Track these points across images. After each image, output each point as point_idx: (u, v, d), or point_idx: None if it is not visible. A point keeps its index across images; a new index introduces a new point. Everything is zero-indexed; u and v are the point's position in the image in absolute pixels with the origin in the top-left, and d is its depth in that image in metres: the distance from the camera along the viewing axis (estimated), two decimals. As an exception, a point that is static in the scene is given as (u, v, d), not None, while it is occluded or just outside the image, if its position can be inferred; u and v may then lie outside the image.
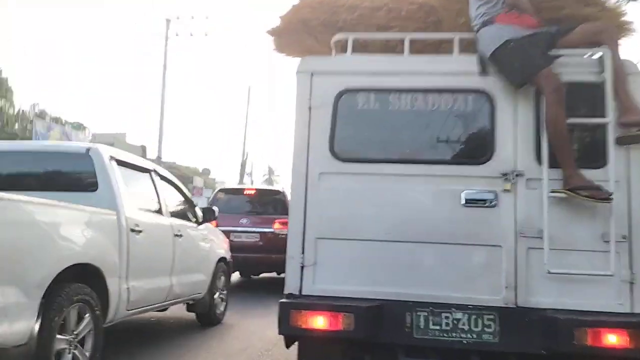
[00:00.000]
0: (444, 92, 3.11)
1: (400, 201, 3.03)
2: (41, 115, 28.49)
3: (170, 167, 27.33)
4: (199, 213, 6.02)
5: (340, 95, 3.14)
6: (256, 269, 9.69)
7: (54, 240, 3.38)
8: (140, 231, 4.38)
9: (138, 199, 4.68)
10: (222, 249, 6.57)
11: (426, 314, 2.90)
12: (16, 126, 27.05)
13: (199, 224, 5.95)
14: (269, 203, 9.49)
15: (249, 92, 33.72)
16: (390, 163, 3.11)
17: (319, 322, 2.85)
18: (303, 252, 3.05)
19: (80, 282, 3.62)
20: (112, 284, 3.96)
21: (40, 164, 4.36)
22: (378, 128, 3.20)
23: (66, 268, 3.40)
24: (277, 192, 9.87)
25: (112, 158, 4.37)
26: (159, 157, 22.42)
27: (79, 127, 30.44)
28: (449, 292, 2.93)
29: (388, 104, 3.14)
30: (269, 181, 45.60)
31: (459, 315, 2.88)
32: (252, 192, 10.13)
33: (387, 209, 3.01)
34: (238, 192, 10.24)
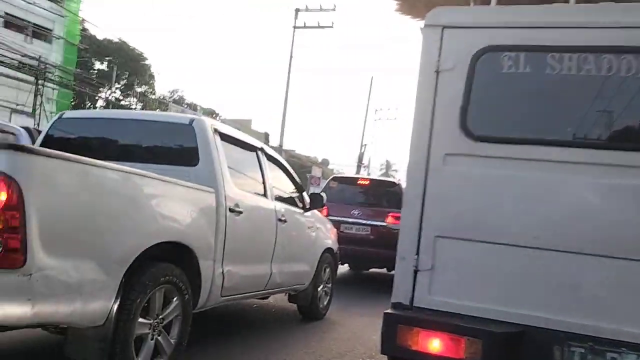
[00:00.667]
0: (625, 52, 2.24)
1: (557, 197, 2.24)
2: (179, 101, 30.27)
3: (291, 155, 27.78)
4: (307, 199, 5.54)
5: (479, 54, 2.41)
6: (365, 264, 9.23)
7: (141, 213, 3.05)
8: (240, 212, 3.98)
9: (241, 178, 4.29)
10: (329, 239, 6.06)
11: (584, 350, 2.12)
12: (156, 111, 29.01)
13: (306, 210, 5.47)
14: (384, 195, 8.91)
15: (371, 83, 32.82)
16: (544, 146, 2.34)
17: (433, 344, 2.18)
18: (418, 253, 2.38)
19: (169, 262, 3.27)
20: (205, 266, 3.58)
21: (143, 134, 4.12)
22: (529, 98, 2.43)
23: (154, 245, 3.04)
24: (393, 184, 9.30)
25: (216, 131, 4.00)
26: (280, 145, 22.67)
27: (211, 113, 31.95)
28: (620, 325, 2.10)
29: (544, 67, 2.36)
30: (386, 175, 44.77)
31: (632, 357, 2.04)
32: (367, 182, 9.62)
33: (537, 206, 2.25)
34: (352, 181, 9.75)
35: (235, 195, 3.98)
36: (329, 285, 6.01)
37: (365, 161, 34.39)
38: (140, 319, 3.01)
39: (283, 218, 4.77)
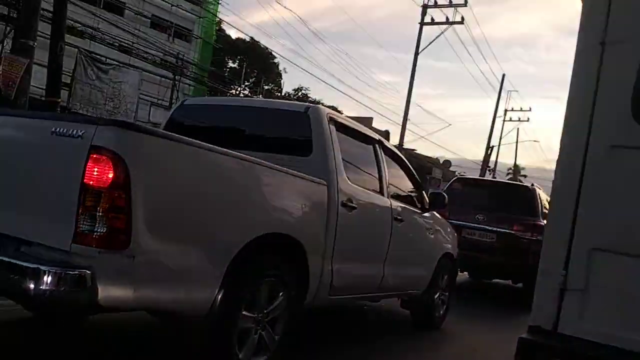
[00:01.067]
0: None
1: None
2: (303, 99, 30.89)
3: (410, 155, 27.08)
4: (426, 199, 5.12)
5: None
6: (487, 273, 8.54)
7: (250, 202, 2.89)
8: (353, 207, 3.70)
9: (355, 172, 4.02)
10: (449, 243, 5.58)
11: None
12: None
13: (425, 211, 5.05)
14: (514, 200, 8.11)
15: (502, 81, 30.84)
16: None
17: (585, 386, 1.71)
18: (566, 268, 1.92)
19: (277, 255, 3.09)
20: (314, 262, 3.36)
21: (258, 121, 4.00)
22: None
23: (261, 236, 2.87)
24: (526, 189, 8.43)
25: (332, 121, 3.76)
26: (400, 144, 22.17)
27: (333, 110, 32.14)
28: None
29: None
30: (513, 180, 42.05)
31: None
32: (495, 185, 9.04)
33: None
34: (478, 184, 9.12)
35: (348, 190, 3.72)
36: (447, 293, 5.53)
37: (491, 164, 32.52)
38: (245, 312, 2.85)
39: (399, 217, 4.42)
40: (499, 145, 33.60)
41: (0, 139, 2.47)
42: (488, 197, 8.32)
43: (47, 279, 2.01)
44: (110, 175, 2.13)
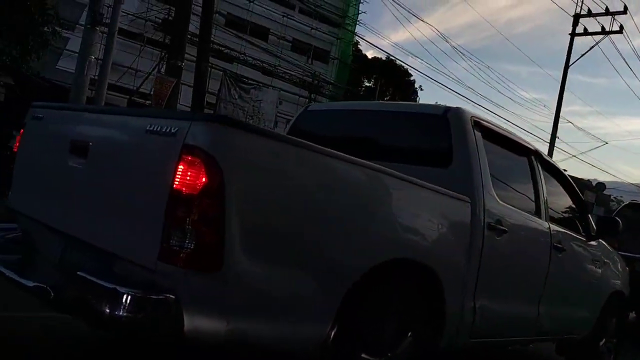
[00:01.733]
0: None
1: None
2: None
3: (558, 175, 24.53)
4: (592, 225, 4.17)
5: None
6: None
7: (374, 220, 2.36)
8: (503, 231, 3.00)
9: (506, 188, 3.30)
10: (618, 279, 4.52)
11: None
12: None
13: (591, 238, 4.10)
14: None
15: None
16: None
17: None
18: None
19: (406, 286, 2.51)
20: (451, 297, 2.72)
21: (388, 127, 3.45)
22: None
23: (388, 262, 2.32)
24: None
25: (476, 125, 3.10)
26: (547, 162, 20.07)
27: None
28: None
29: None
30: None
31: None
32: None
33: None
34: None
35: (497, 209, 3.01)
36: (614, 340, 4.45)
37: None
38: (364, 356, 2.30)
39: (560, 245, 3.57)
40: None
41: (97, 138, 2.22)
42: None
43: (124, 302, 1.66)
44: (202, 180, 1.74)
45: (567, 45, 20.03)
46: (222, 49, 21.78)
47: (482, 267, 2.89)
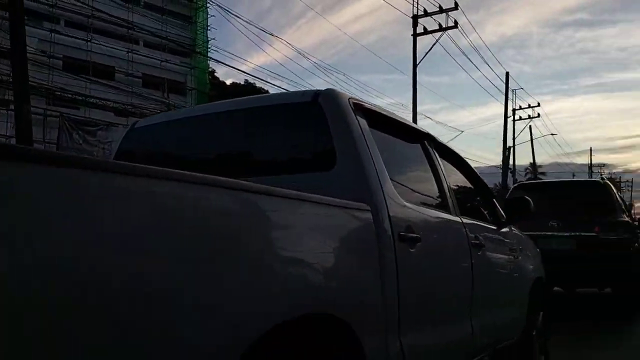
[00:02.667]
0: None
1: None
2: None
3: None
4: (500, 209, 3.63)
5: None
6: (569, 285, 7.25)
7: (232, 269, 1.42)
8: (416, 239, 2.24)
9: (406, 184, 2.55)
10: (535, 263, 4.04)
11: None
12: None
13: (502, 225, 3.54)
14: (586, 199, 7.22)
15: (507, 80, 29.34)
16: None
17: None
18: None
19: (305, 344, 1.62)
20: (371, 344, 1.88)
21: (244, 131, 2.56)
22: None
23: (270, 331, 1.40)
24: (597, 185, 7.73)
25: (358, 110, 2.32)
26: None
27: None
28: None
29: None
30: (534, 180, 40.13)
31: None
32: (561, 187, 7.93)
33: None
34: (542, 187, 8.20)
35: (403, 213, 2.27)
36: (543, 335, 3.94)
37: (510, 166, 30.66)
38: None
39: (477, 241, 2.92)
40: (513, 146, 31.93)
41: None
42: (556, 200, 7.23)
43: None
44: None
45: (413, 44, 20.84)
46: (63, 93, 19.50)
47: (402, 292, 2.10)
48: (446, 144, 3.24)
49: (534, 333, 3.65)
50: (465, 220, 2.91)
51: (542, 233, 6.30)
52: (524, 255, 3.76)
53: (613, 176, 59.02)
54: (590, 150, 54.63)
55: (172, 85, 27.99)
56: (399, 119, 2.75)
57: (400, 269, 2.11)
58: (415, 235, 2.27)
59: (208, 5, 27.50)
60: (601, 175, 55.02)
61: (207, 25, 28.70)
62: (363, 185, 2.13)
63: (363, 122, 2.32)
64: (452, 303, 2.64)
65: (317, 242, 1.74)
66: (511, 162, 31.34)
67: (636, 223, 8.38)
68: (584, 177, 39.70)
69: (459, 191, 3.17)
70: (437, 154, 3.00)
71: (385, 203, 2.15)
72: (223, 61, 65.09)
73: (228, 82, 34.37)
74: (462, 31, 32.03)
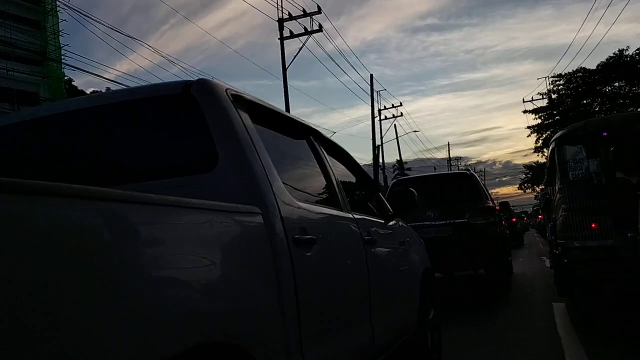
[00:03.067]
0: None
1: None
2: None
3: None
4: (386, 203, 3.57)
5: None
6: (449, 268, 7.88)
7: (106, 302, 1.06)
8: (311, 241, 2.02)
9: (295, 182, 2.33)
10: (421, 254, 4.06)
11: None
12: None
13: (389, 219, 3.48)
14: (457, 189, 7.75)
15: (372, 81, 30.71)
16: None
17: None
18: None
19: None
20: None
21: (109, 131, 2.14)
22: None
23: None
24: (464, 176, 8.22)
25: (238, 101, 2.04)
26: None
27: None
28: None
29: None
30: (401, 175, 42.55)
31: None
32: (434, 180, 8.55)
33: None
34: (418, 182, 8.46)
35: (296, 214, 2.05)
36: (435, 326, 3.94)
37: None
38: None
39: (369, 237, 2.79)
40: (382, 144, 33.62)
41: None
42: (431, 192, 7.51)
43: None
44: None
45: (280, 48, 20.89)
46: None
47: (302, 304, 1.87)
48: (330, 139, 3.07)
49: (427, 326, 3.62)
50: (356, 216, 2.77)
51: (422, 223, 6.65)
52: (411, 248, 3.74)
53: (468, 167, 64.67)
54: (448, 144, 59.38)
55: (24, 97, 25.16)
56: (282, 112, 2.52)
57: (298, 277, 1.88)
58: (310, 237, 2.05)
59: (59, 9, 25.12)
60: (458, 167, 60.16)
61: (59, 31, 26.25)
62: (251, 185, 1.86)
63: (245, 116, 2.05)
64: (352, 307, 2.47)
65: (201, 256, 1.44)
66: (381, 159, 32.85)
67: (497, 207, 9.17)
68: (444, 170, 43.03)
69: (347, 187, 3.02)
70: (323, 150, 2.82)
71: (277, 204, 1.91)
72: (83, 68, 59.91)
73: (89, 91, 31.73)
74: (327, 35, 32.98)
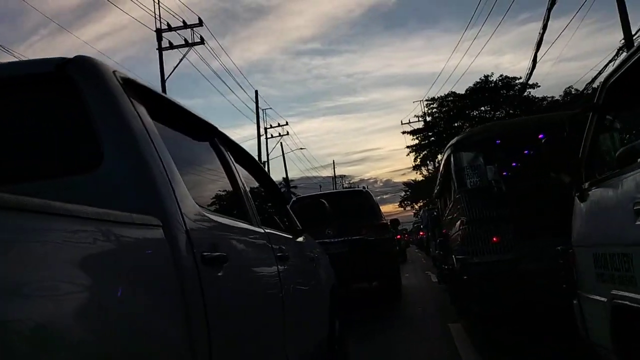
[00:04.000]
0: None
1: None
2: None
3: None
4: (294, 216, 3.27)
5: None
6: (347, 282, 7.74)
7: None
8: (221, 259, 1.69)
9: (200, 189, 1.94)
10: (328, 270, 3.81)
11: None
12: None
13: (298, 234, 3.17)
14: (353, 207, 7.92)
15: (257, 97, 30.52)
16: None
17: None
18: None
19: None
20: None
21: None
22: None
23: None
24: (360, 193, 8.54)
25: (128, 87, 1.61)
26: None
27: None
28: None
29: None
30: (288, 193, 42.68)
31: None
32: (332, 197, 8.37)
33: None
34: (317, 199, 8.34)
35: (205, 226, 1.68)
36: (343, 347, 3.69)
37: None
38: None
39: (282, 253, 2.46)
40: (267, 161, 33.47)
41: None
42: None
43: None
44: None
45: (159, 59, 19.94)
46: None
47: (214, 338, 1.48)
48: (237, 142, 2.70)
49: (335, 346, 3.34)
50: (267, 231, 2.42)
51: (321, 240, 6.41)
52: (319, 264, 3.46)
53: (352, 185, 66.87)
54: (334, 162, 60.99)
55: None
56: (183, 106, 2.10)
57: (208, 304, 1.48)
58: (220, 254, 1.67)
59: None
60: (342, 184, 61.83)
61: None
62: (147, 190, 1.45)
63: (138, 105, 1.63)
64: (266, 333, 2.10)
65: (74, 282, 1.00)
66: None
67: (389, 224, 9.43)
68: (330, 189, 43.92)
69: (256, 197, 2.66)
70: (230, 155, 2.44)
71: (181, 214, 1.50)
72: None
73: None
74: (212, 52, 32.35)
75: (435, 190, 7.85)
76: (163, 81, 19.99)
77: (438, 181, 7.27)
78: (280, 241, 2.53)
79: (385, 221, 8.01)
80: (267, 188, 3.05)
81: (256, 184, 2.86)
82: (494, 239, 4.53)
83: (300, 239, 3.19)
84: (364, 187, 9.04)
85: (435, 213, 10.74)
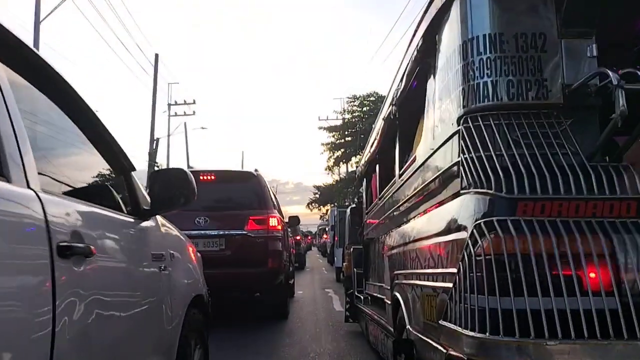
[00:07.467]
0: None
1: None
2: None
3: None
4: (142, 190, 2.91)
5: None
6: (221, 291, 6.82)
7: None
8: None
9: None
10: (193, 275, 3.51)
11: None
12: None
13: (143, 216, 2.77)
14: (238, 192, 7.30)
15: (156, 62, 27.62)
16: None
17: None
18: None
19: None
20: None
21: None
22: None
23: None
24: (249, 176, 7.67)
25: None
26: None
27: None
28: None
29: None
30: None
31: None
32: (211, 177, 7.53)
33: None
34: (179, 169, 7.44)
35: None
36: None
37: (160, 160, 29.56)
38: None
39: (75, 244, 1.86)
40: (168, 140, 31.05)
41: None
42: (205, 193, 6.46)
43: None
44: None
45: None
46: None
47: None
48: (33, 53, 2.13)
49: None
50: (50, 198, 1.82)
51: (188, 232, 5.70)
52: (175, 265, 3.11)
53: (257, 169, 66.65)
54: (242, 153, 59.42)
55: None
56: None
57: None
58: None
59: None
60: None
61: None
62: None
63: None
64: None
65: None
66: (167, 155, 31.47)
67: (287, 221, 9.15)
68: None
69: (88, 165, 2.49)
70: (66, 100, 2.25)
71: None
72: None
73: None
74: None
75: (361, 169, 7.30)
76: (37, 23, 18.13)
77: (369, 147, 6.25)
78: (75, 224, 1.95)
79: (276, 215, 7.30)
80: (103, 146, 2.59)
81: (83, 139, 2.43)
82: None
83: (147, 224, 2.88)
84: (255, 170, 7.83)
85: (355, 203, 9.60)
